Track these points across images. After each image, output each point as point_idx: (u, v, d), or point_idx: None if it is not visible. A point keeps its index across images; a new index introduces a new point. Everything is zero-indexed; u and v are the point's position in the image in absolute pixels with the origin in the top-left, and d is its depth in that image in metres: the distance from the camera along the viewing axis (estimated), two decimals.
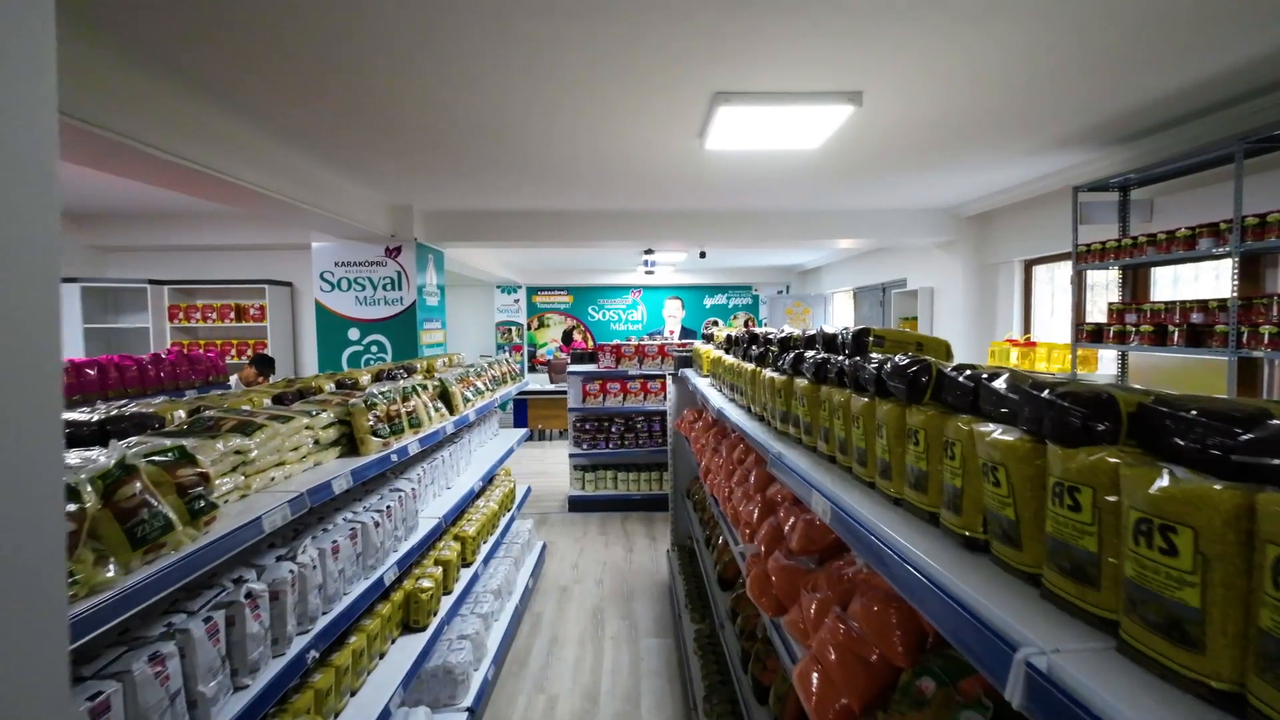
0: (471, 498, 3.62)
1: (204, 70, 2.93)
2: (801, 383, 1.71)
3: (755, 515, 2.24)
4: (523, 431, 5.00)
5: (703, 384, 3.71)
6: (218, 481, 1.56)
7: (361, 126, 3.76)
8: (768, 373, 2.14)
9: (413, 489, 2.67)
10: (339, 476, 1.88)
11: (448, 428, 2.99)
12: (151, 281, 6.28)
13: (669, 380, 5.07)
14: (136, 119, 2.96)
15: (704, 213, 6.30)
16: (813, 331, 2.04)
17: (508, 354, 12.53)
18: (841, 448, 1.43)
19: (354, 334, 5.89)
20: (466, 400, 3.41)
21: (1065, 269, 5.52)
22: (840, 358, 1.53)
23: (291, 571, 1.70)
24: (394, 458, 2.30)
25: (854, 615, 1.33)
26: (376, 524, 2.23)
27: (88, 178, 5.13)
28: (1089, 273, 4.67)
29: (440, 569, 2.98)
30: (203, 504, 1.34)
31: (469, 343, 12.79)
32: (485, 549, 3.74)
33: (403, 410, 2.51)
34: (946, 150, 4.20)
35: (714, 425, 3.76)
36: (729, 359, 3.03)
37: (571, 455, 6.84)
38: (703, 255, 6.81)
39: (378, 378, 3.37)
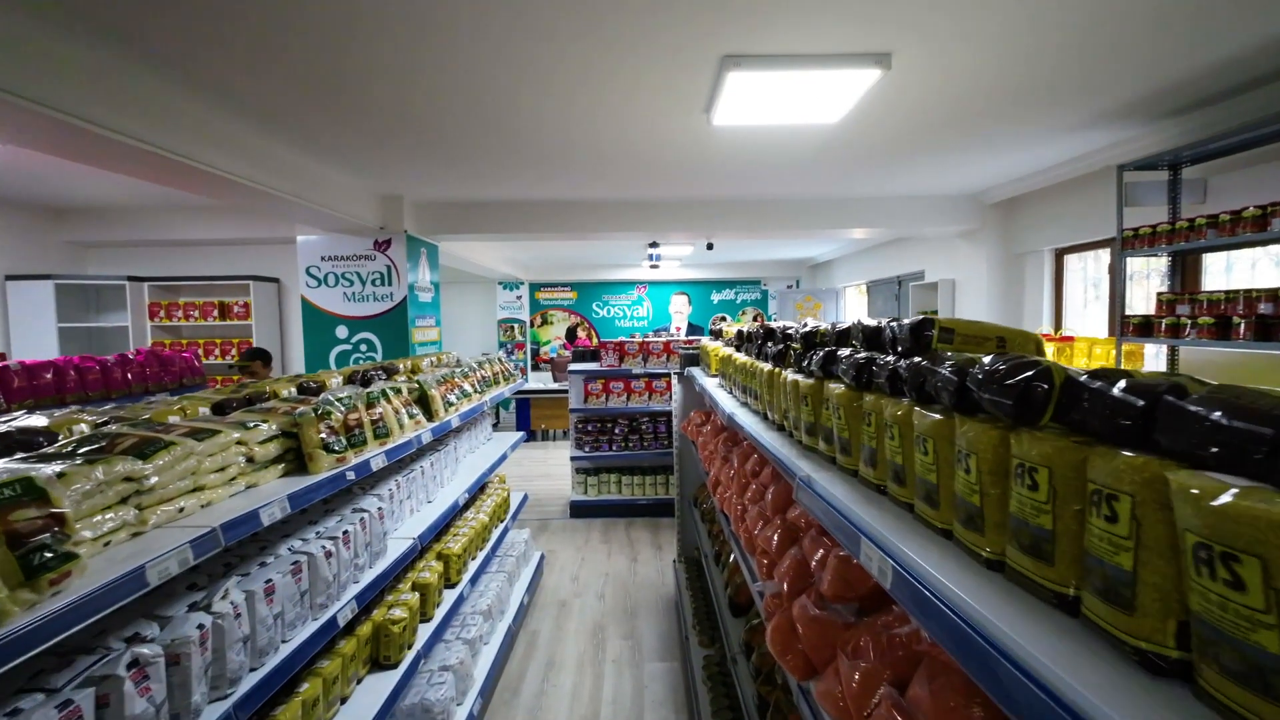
0: (457, 511, 3.29)
1: (154, 40, 2.61)
2: (836, 388, 1.36)
3: (775, 543, 1.90)
4: (518, 435, 4.67)
5: (711, 384, 3.37)
6: (102, 517, 1.23)
7: (341, 108, 3.43)
8: (790, 375, 1.79)
9: (381, 508, 2.34)
10: (271, 504, 1.55)
11: (424, 436, 2.65)
12: (130, 278, 5.98)
13: (674, 380, 4.72)
14: (73, 92, 2.64)
15: (711, 201, 5.94)
16: (845, 324, 1.69)
17: (509, 352, 12.22)
18: (896, 476, 1.08)
19: (342, 332, 5.58)
20: (449, 405, 3.08)
21: (1100, 258, 5.13)
22: (888, 357, 1.19)
23: (202, 626, 1.37)
24: (351, 475, 1.97)
25: (918, 708, 0.98)
26: (329, 554, 1.90)
27: (66, 170, 4.83)
28: (1127, 261, 4.28)
29: (417, 595, 2.65)
30: (49, 556, 1.01)
31: (470, 341, 12.50)
32: (474, 566, 3.41)
33: (365, 419, 2.18)
34: (977, 126, 3.82)
35: (724, 431, 3.42)
36: (741, 357, 2.68)
37: (573, 458, 6.50)
38: (710, 247, 6.45)
39: (350, 380, 3.04)
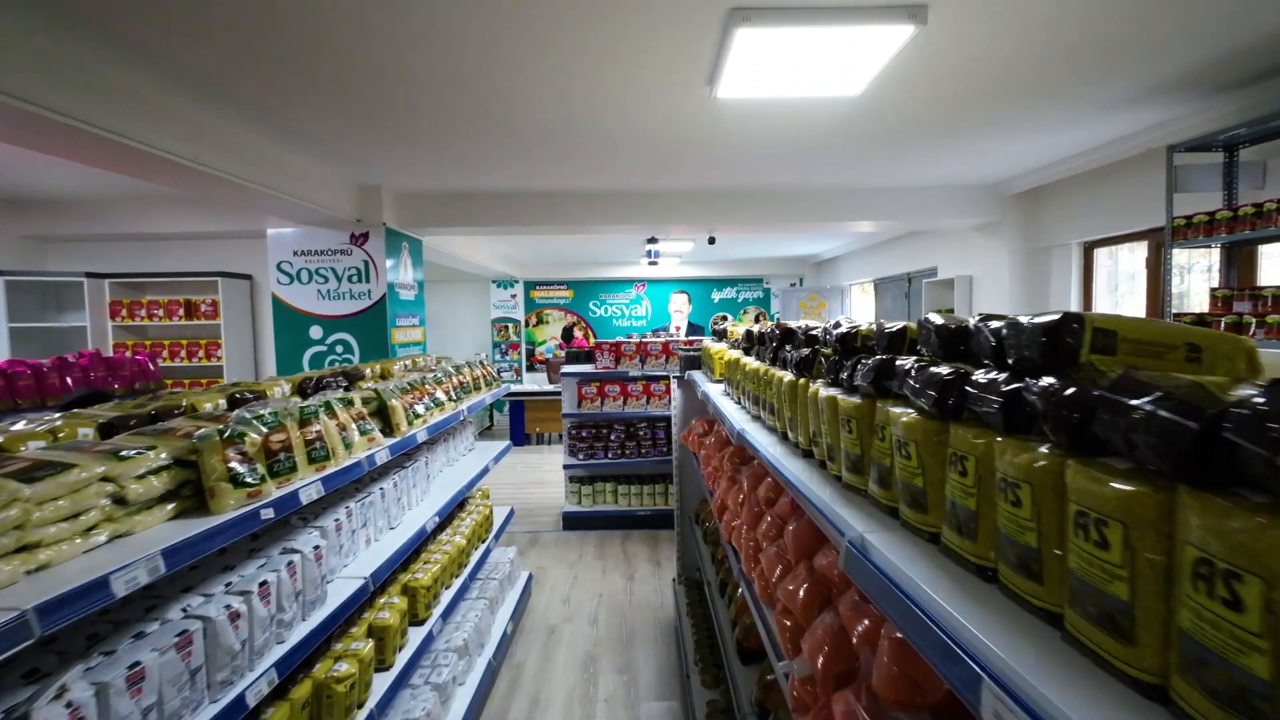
0: (427, 537, 2.89)
1: (111, 20, 2.22)
2: (903, 414, 0.97)
3: (800, 600, 1.50)
4: (503, 445, 4.27)
5: (715, 392, 2.97)
6: None
7: (315, 88, 3.05)
8: (823, 389, 1.39)
9: (320, 546, 1.94)
10: (132, 565, 1.15)
11: (380, 455, 2.26)
12: (89, 275, 5.56)
13: (674, 384, 4.33)
14: (18, 74, 2.28)
15: (714, 192, 5.54)
16: (893, 325, 1.30)
17: (503, 352, 11.83)
18: (1022, 565, 0.69)
19: (316, 332, 5.18)
20: (415, 417, 2.68)
21: (1134, 251, 4.74)
22: (994, 374, 0.79)
23: None
24: (269, 513, 1.57)
25: None
26: (236, 615, 1.50)
27: (20, 159, 4.43)
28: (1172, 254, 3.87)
29: (372, 642, 2.26)
30: None
31: (463, 341, 12.10)
32: (448, 595, 3.02)
33: (296, 439, 1.78)
34: (1014, 100, 3.42)
35: (730, 445, 3.03)
36: (751, 363, 2.29)
37: (566, 466, 6.11)
38: (712, 241, 6.06)
39: (302, 388, 2.65)
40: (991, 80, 3.11)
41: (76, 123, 2.65)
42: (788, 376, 1.76)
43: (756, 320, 12.23)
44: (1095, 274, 5.05)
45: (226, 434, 1.54)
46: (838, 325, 1.53)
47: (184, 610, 1.47)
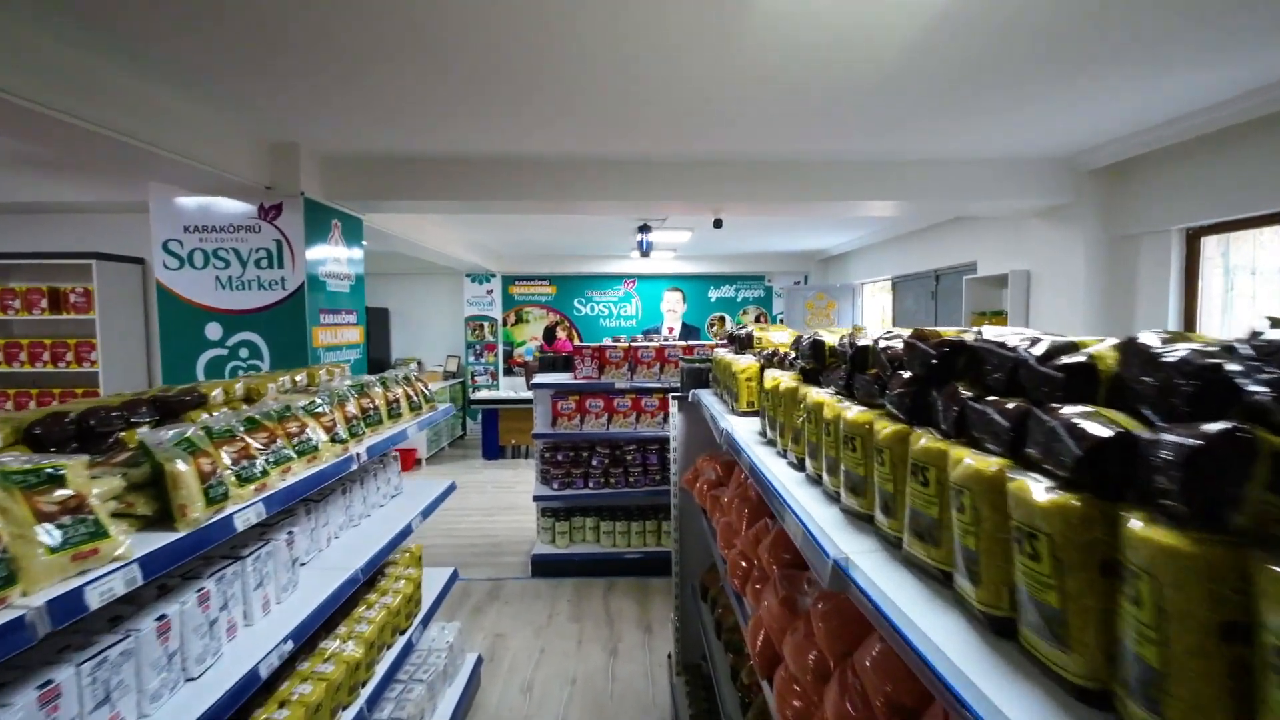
0: (308, 634, 1.79)
1: None
2: None
3: None
4: (443, 485, 3.17)
5: (744, 431, 1.90)
6: None
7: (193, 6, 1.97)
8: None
9: None
10: None
11: (117, 582, 1.16)
12: None
13: (674, 405, 3.25)
14: None
15: (722, 161, 4.46)
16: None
17: (478, 354, 10.70)
18: None
19: (214, 331, 4.05)
20: (246, 479, 1.58)
21: (1259, 240, 3.71)
22: None
23: None
24: None
25: None
26: None
27: None
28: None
29: None
30: None
31: (435, 342, 10.96)
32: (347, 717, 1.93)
33: None
34: (1103, 43, 2.39)
35: (759, 502, 1.98)
36: (832, 401, 1.22)
37: (538, 498, 5.01)
38: (718, 224, 5.00)
39: (30, 433, 1.52)
40: (1070, 9, 2.08)
41: None
42: (949, 448, 0.70)
43: (758, 320, 11.19)
44: (1201, 268, 4.03)
45: None
46: (1038, 337, 0.47)
47: None
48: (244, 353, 4.05)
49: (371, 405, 2.44)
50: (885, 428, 0.97)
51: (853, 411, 1.10)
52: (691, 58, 2.69)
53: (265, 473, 1.65)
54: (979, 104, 3.34)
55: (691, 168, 4.49)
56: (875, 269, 8.82)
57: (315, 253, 4.15)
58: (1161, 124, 3.75)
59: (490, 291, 10.75)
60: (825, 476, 1.26)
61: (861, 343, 1.22)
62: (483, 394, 9.83)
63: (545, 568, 4.85)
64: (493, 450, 9.15)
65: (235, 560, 1.72)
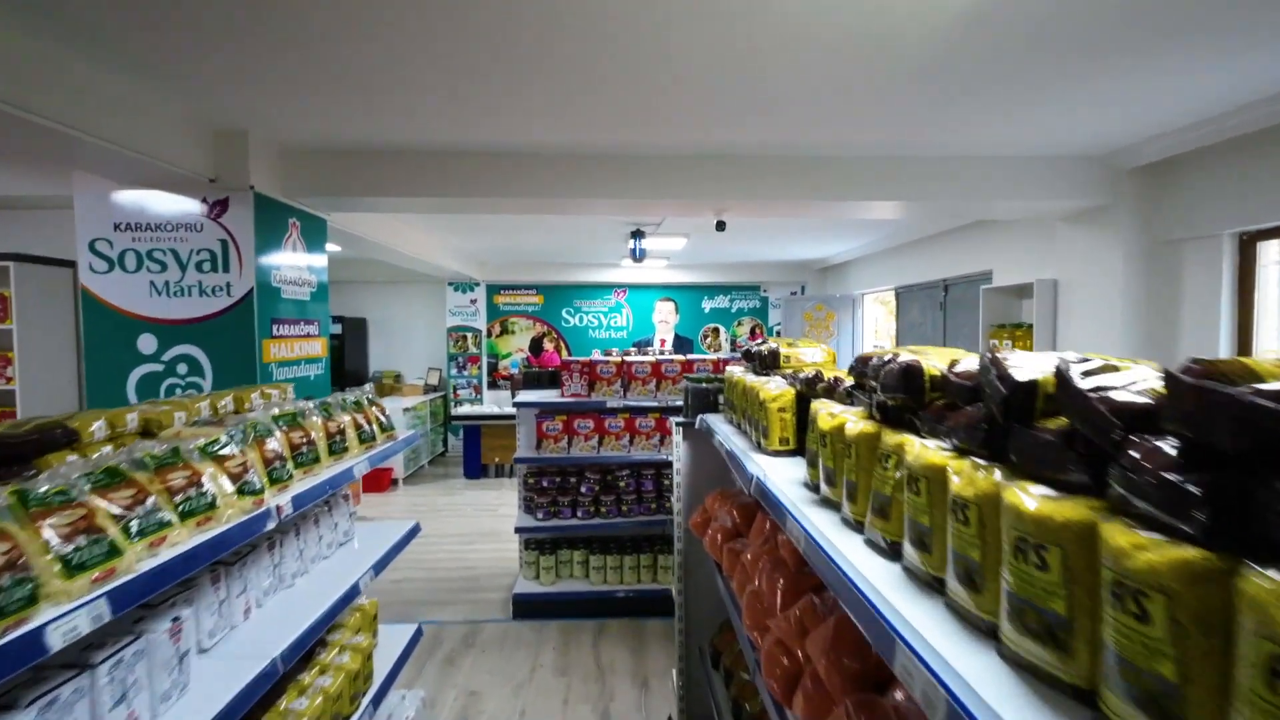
0: None
1: None
2: None
3: None
4: (406, 527, 2.68)
5: (780, 477, 1.44)
6: None
7: None
8: None
9: None
10: None
11: None
12: None
13: (677, 433, 2.78)
14: None
15: (727, 155, 4.02)
16: None
17: (460, 366, 10.18)
18: None
19: (147, 344, 3.53)
20: (84, 565, 1.09)
21: None
22: None
23: None
24: None
25: None
26: None
27: None
28: None
29: None
30: None
31: (415, 354, 10.41)
32: None
33: None
34: (1162, 23, 1.98)
35: (798, 564, 1.51)
36: (973, 472, 0.75)
37: (520, 530, 4.51)
38: (721, 226, 4.56)
39: None
40: None
41: None
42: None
43: (753, 333, 10.76)
44: (1258, 277, 3.63)
45: None
46: None
47: None
48: (182, 368, 3.53)
49: (305, 440, 1.95)
50: (1157, 552, 0.51)
51: (1036, 502, 0.64)
52: (711, 35, 2.24)
53: (115, 552, 1.15)
54: (1011, 94, 2.93)
55: (695, 162, 4.05)
56: (877, 278, 8.43)
57: (268, 255, 3.65)
58: (1216, 117, 3.37)
59: (474, 301, 10.25)
60: (957, 585, 0.79)
61: (1022, 376, 0.76)
62: (465, 409, 9.31)
63: (528, 608, 4.34)
64: (475, 469, 8.62)
65: (81, 672, 1.22)
